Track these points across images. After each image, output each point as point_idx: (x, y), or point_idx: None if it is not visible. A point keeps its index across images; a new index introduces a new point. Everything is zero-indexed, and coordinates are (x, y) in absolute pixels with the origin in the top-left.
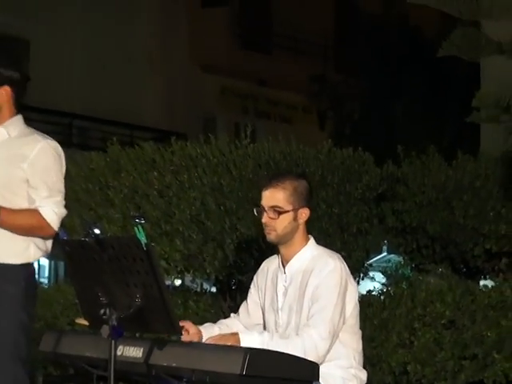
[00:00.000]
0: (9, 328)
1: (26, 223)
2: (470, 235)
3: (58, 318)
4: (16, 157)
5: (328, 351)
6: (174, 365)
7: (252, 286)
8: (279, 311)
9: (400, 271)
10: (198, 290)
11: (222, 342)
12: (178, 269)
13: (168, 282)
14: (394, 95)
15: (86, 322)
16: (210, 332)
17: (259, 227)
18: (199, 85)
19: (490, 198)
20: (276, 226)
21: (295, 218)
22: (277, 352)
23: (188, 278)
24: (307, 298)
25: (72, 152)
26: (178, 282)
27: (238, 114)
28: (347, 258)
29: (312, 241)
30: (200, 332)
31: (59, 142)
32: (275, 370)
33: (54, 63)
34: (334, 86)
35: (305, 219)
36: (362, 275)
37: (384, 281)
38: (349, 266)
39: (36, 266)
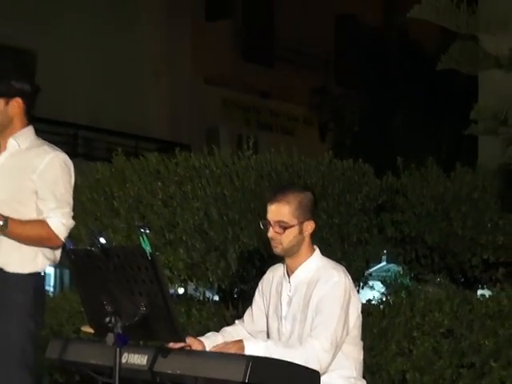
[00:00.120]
0: (17, 337)
1: (34, 234)
2: (467, 245)
3: (63, 325)
4: (26, 168)
5: (330, 363)
6: (177, 372)
7: (257, 292)
8: (283, 320)
9: (399, 281)
10: (201, 298)
11: (226, 350)
12: (182, 277)
13: (171, 291)
14: (394, 108)
15: (91, 330)
16: (213, 341)
17: (261, 237)
18: (202, 97)
19: (488, 209)
20: (282, 240)
21: (300, 232)
22: (279, 360)
23: (191, 286)
24: (311, 308)
25: (78, 162)
26: (180, 291)
27: (240, 125)
28: (347, 268)
29: (317, 252)
30: (202, 344)
31: (65, 153)
32: (277, 379)
33: (60, 75)
34: (335, 99)
35: (310, 231)
36: (361, 284)
37: (383, 290)
38: None
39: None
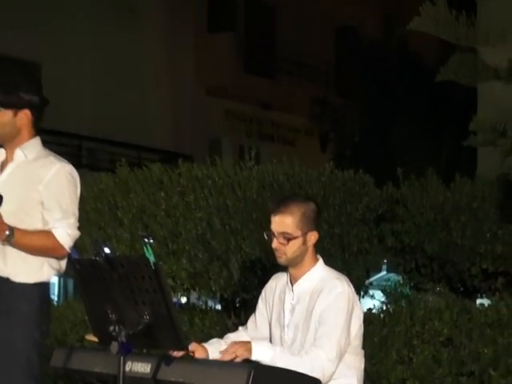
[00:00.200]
0: (23, 346)
1: (39, 244)
2: (467, 255)
3: (67, 334)
4: (32, 179)
5: (334, 372)
6: (180, 380)
7: (260, 300)
8: (285, 328)
9: (399, 290)
10: (204, 307)
11: (234, 349)
12: (185, 287)
13: (174, 300)
14: (394, 118)
15: (95, 339)
16: (216, 348)
17: (263, 247)
18: (205, 108)
19: (487, 219)
20: (286, 250)
21: (304, 242)
22: (281, 368)
23: (194, 295)
24: (314, 318)
25: (82, 173)
26: (183, 300)
27: (242, 136)
28: (348, 277)
29: (321, 262)
30: (206, 351)
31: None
32: None
33: (64, 86)
34: (335, 110)
35: (313, 242)
36: (362, 293)
37: (383, 299)
38: None
39: None
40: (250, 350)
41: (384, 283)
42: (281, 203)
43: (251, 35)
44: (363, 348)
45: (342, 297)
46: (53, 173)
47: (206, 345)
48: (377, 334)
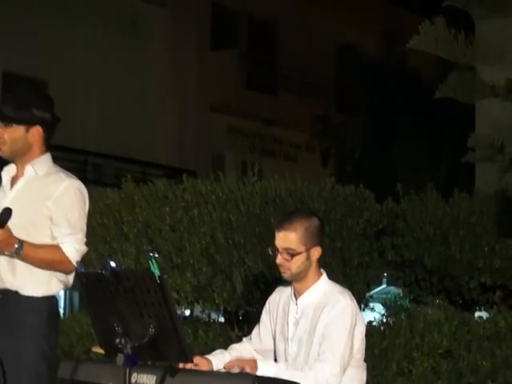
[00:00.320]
0: (31, 359)
1: (47, 258)
2: (465, 269)
3: (74, 346)
4: (42, 194)
5: None
6: None
7: (264, 312)
8: (289, 341)
9: (399, 303)
10: (207, 320)
11: (239, 365)
12: (189, 300)
13: (178, 312)
14: (393, 135)
15: (101, 351)
16: (220, 359)
17: (266, 261)
18: (208, 124)
19: (485, 233)
20: (290, 266)
21: (308, 257)
22: (285, 380)
23: (197, 308)
24: (318, 333)
25: (87, 188)
26: (187, 312)
27: (245, 152)
28: (348, 289)
29: (324, 276)
30: (210, 363)
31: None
32: None
33: (69, 103)
34: (336, 126)
35: (317, 257)
36: (362, 306)
37: (384, 312)
38: None
39: None
40: (255, 368)
41: (384, 296)
42: (285, 219)
43: (254, 53)
44: (364, 360)
45: (345, 312)
46: (62, 189)
47: (209, 356)
48: (377, 346)
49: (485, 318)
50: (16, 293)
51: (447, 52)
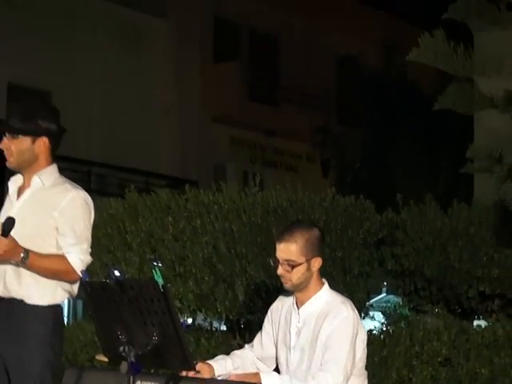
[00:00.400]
0: (37, 367)
1: (53, 267)
2: (464, 278)
3: (78, 354)
4: (48, 205)
5: None
6: None
7: (266, 320)
8: (291, 349)
9: (399, 311)
10: (209, 328)
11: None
12: (191, 308)
13: (181, 321)
14: (393, 146)
15: (105, 359)
16: (222, 364)
17: (267, 270)
18: (210, 135)
19: (484, 243)
20: (291, 277)
21: (308, 268)
22: None
23: (200, 316)
24: (320, 343)
25: (92, 198)
26: (189, 320)
27: (246, 162)
28: (349, 299)
29: (326, 286)
30: (212, 368)
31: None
32: None
33: (74, 114)
34: (337, 137)
35: (318, 267)
36: (363, 315)
37: (383, 320)
38: None
39: None
40: (259, 380)
41: (384, 305)
42: (285, 231)
43: (255, 65)
44: (365, 368)
45: (347, 322)
46: (68, 200)
47: (211, 362)
48: (377, 354)
49: (483, 326)
50: (22, 301)
51: (446, 64)
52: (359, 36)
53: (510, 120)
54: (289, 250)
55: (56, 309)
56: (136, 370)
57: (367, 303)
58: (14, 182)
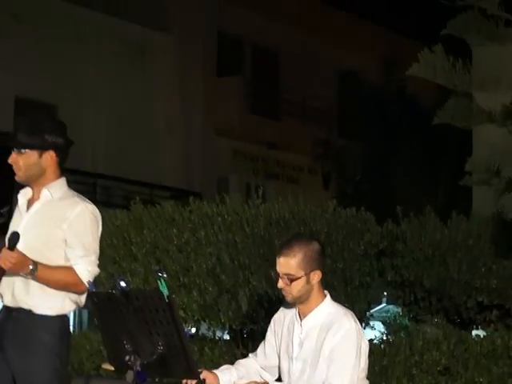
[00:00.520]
0: (45, 377)
1: (61, 279)
2: (463, 289)
3: (84, 363)
4: (57, 217)
5: None
6: None
7: (269, 330)
8: (294, 360)
9: (399, 321)
10: (212, 337)
11: None
12: (195, 318)
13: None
14: (393, 159)
15: (111, 368)
16: (226, 375)
17: (270, 280)
18: (213, 147)
19: (482, 254)
20: (291, 290)
21: (308, 281)
22: None
23: (204, 326)
24: (323, 355)
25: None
26: (193, 330)
27: (249, 174)
28: (350, 309)
29: (328, 298)
30: (217, 378)
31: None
32: None
33: (79, 127)
34: (338, 150)
35: (317, 280)
36: (363, 325)
37: (384, 330)
38: None
39: None
40: None
41: (384, 315)
42: (284, 245)
43: (257, 79)
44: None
45: (350, 334)
46: (77, 212)
47: (216, 371)
48: (377, 364)
49: (482, 336)
50: (30, 311)
51: (445, 79)
52: (359, 51)
53: (507, 134)
54: (287, 264)
55: (63, 319)
56: (142, 378)
57: (368, 313)
58: (24, 195)
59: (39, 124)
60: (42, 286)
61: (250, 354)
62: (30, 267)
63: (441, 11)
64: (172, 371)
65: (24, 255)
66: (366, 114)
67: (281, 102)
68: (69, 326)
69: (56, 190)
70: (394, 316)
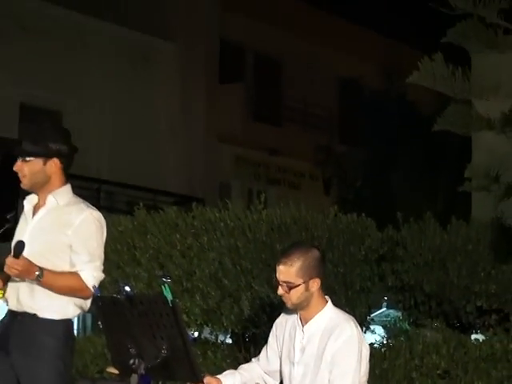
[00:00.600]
0: (48, 379)
1: (66, 284)
2: (462, 293)
3: (88, 366)
4: (62, 224)
5: None
6: None
7: (271, 335)
8: (295, 365)
9: (399, 325)
10: (215, 341)
11: None
12: (198, 322)
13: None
14: (393, 165)
15: (116, 371)
16: (230, 380)
17: (272, 285)
18: (216, 154)
19: (481, 260)
20: (290, 297)
21: (307, 289)
22: None
23: (206, 330)
24: (325, 360)
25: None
26: (195, 334)
27: (250, 180)
28: (351, 314)
29: (329, 303)
30: (220, 383)
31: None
32: None
33: (83, 133)
34: (338, 156)
35: (316, 288)
36: (364, 329)
37: (384, 334)
38: None
39: None
40: None
41: (384, 319)
42: (283, 253)
43: (259, 86)
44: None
45: (352, 340)
46: (82, 219)
47: (220, 376)
48: (378, 367)
49: (481, 340)
50: (34, 315)
51: (445, 87)
52: (360, 58)
53: (506, 140)
54: (286, 272)
55: (67, 323)
56: (146, 381)
57: (368, 317)
58: (30, 201)
59: (43, 132)
60: (46, 291)
61: (253, 359)
62: (36, 273)
63: (440, 19)
64: (175, 374)
65: (30, 262)
66: (366, 121)
67: (282, 109)
68: (73, 330)
69: (61, 197)
70: (395, 320)
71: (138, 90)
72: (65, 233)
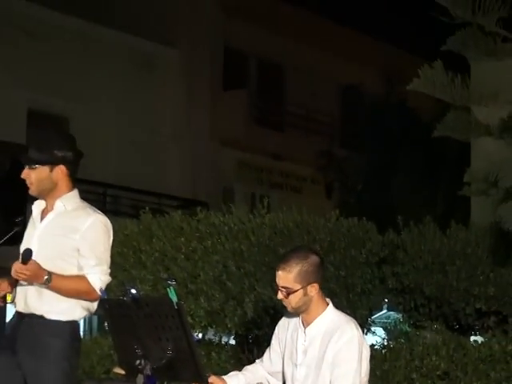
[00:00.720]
0: (55, 380)
1: (74, 288)
2: (462, 296)
3: (94, 367)
4: (70, 228)
5: None
6: None
7: (273, 337)
8: (297, 366)
9: (399, 327)
10: (219, 342)
11: None
12: (202, 324)
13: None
14: (393, 169)
15: (122, 371)
16: (234, 381)
17: (275, 288)
18: (219, 158)
19: (480, 263)
20: (289, 302)
21: (305, 294)
22: None
23: (210, 331)
24: (326, 361)
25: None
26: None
27: (253, 184)
28: (352, 315)
29: (331, 306)
30: (225, 383)
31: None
32: None
33: (90, 139)
34: (340, 161)
35: (315, 293)
36: (365, 330)
37: (384, 336)
38: None
39: None
40: None
41: (385, 321)
42: (282, 259)
43: (262, 92)
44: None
45: (352, 341)
46: (89, 223)
47: (224, 377)
48: (378, 369)
49: (480, 341)
50: (41, 317)
51: (445, 94)
52: (361, 65)
53: (505, 146)
54: (285, 278)
55: (73, 324)
56: (151, 382)
57: (369, 319)
58: (38, 206)
59: (49, 140)
60: (54, 293)
61: (257, 360)
62: (45, 277)
63: (440, 27)
64: (180, 375)
65: (39, 267)
66: (367, 126)
67: (285, 115)
68: (79, 331)
69: (69, 202)
70: (395, 322)
71: (142, 95)
72: (72, 237)
